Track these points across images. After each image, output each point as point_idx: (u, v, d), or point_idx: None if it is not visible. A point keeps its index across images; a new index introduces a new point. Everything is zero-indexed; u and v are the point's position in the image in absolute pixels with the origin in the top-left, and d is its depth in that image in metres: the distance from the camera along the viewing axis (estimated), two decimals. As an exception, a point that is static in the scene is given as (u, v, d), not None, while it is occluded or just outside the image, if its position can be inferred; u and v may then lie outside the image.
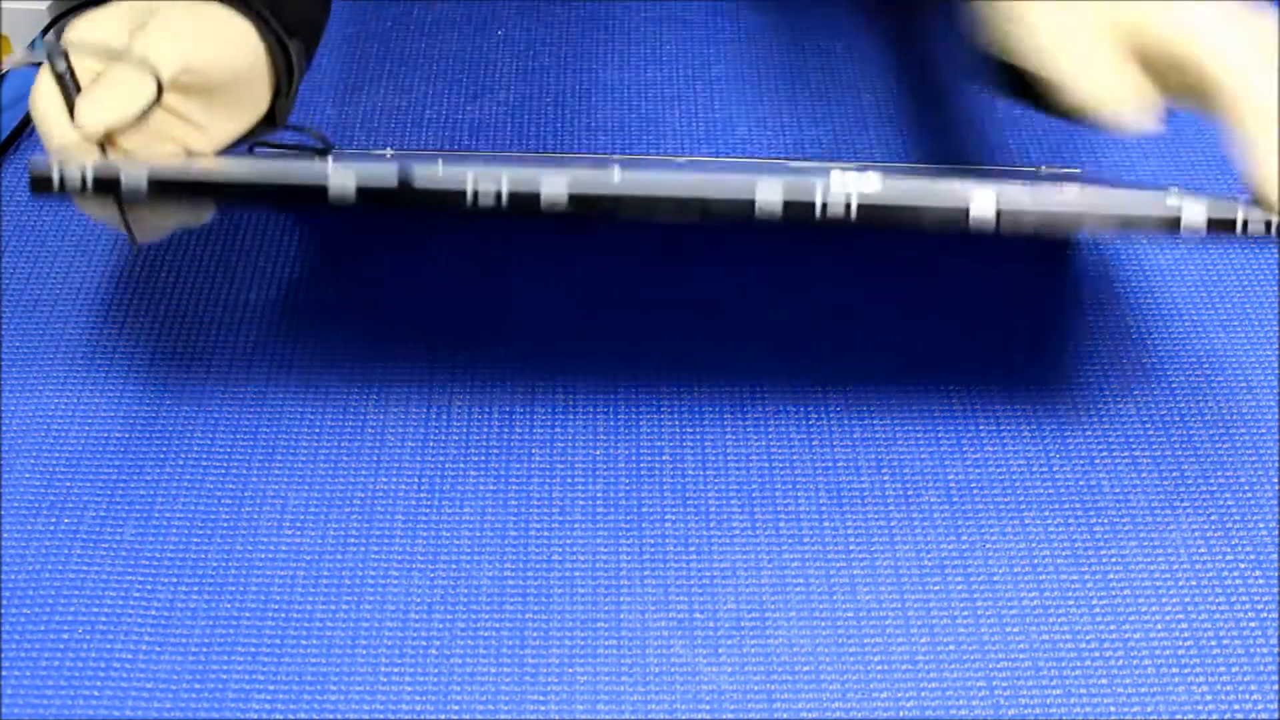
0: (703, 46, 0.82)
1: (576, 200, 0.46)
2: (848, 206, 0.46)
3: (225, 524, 0.57)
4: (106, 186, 0.47)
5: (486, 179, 0.46)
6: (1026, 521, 0.57)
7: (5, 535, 0.57)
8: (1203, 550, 0.56)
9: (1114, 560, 0.55)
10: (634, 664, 0.52)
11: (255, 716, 0.51)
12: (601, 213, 0.47)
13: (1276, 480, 0.58)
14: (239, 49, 0.57)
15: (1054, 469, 0.59)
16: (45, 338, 0.65)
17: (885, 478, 0.59)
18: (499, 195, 0.46)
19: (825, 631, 0.53)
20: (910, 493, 0.58)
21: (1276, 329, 0.64)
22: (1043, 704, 0.51)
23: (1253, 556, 0.55)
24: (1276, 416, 0.60)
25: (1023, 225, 0.45)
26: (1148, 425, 0.60)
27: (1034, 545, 0.56)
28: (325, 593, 0.55)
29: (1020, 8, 0.51)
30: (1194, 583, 0.54)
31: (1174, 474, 0.59)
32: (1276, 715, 0.50)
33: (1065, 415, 0.61)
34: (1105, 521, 0.57)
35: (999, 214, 0.45)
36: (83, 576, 0.55)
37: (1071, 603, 0.54)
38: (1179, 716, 0.50)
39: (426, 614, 0.54)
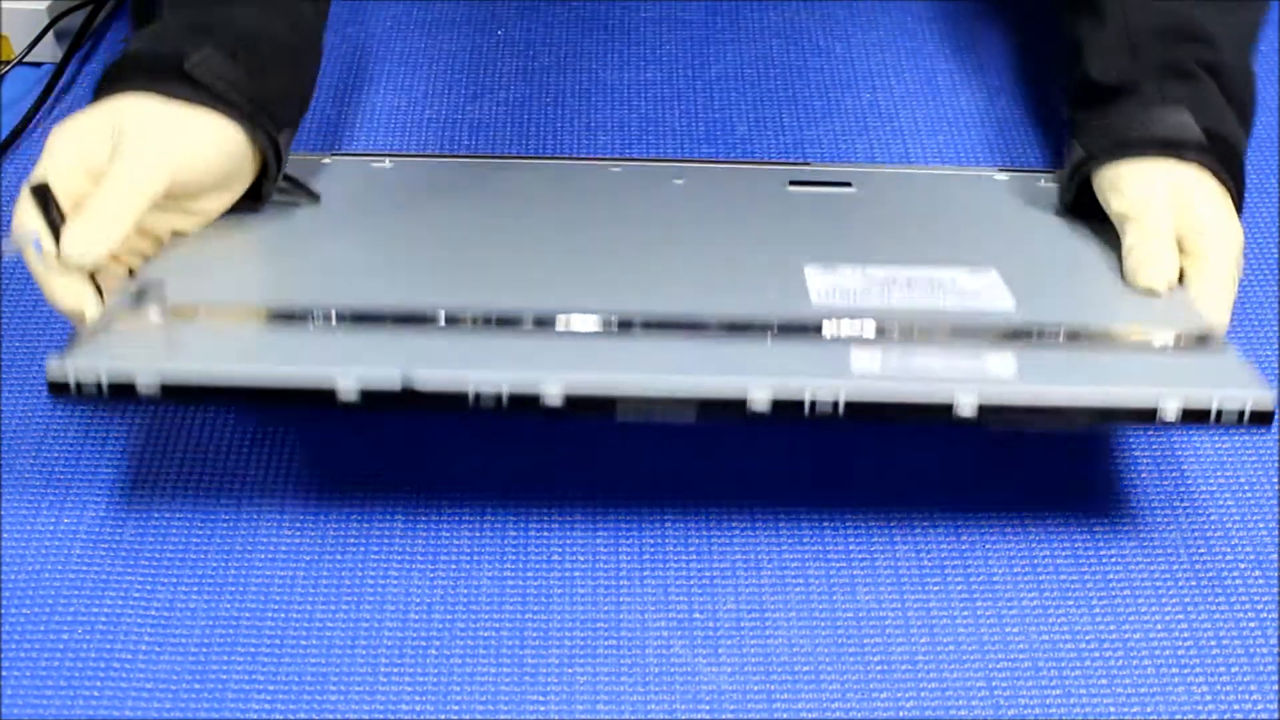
0: (703, 46, 0.82)
1: (573, 401, 0.48)
2: (835, 404, 0.48)
3: (225, 524, 0.57)
4: (122, 391, 0.48)
5: (487, 383, 0.48)
6: (1026, 522, 0.57)
7: (5, 535, 0.57)
8: (1203, 550, 0.56)
9: (1114, 560, 0.55)
10: (634, 664, 0.52)
11: (255, 716, 0.51)
12: (598, 411, 0.49)
13: (1276, 480, 0.58)
14: (227, 155, 0.57)
15: (1053, 469, 0.59)
16: (45, 338, 0.65)
17: (885, 478, 0.58)
18: (499, 397, 0.48)
19: (825, 631, 0.53)
20: (910, 493, 0.58)
21: (1276, 329, 0.64)
22: (1042, 704, 0.51)
23: (1253, 556, 0.55)
24: (1276, 416, 0.60)
25: (1004, 419, 0.48)
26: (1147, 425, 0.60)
27: (1034, 545, 0.56)
28: (325, 593, 0.55)
29: (1125, 188, 0.60)
30: (1194, 583, 0.54)
31: (1174, 474, 0.59)
32: (1276, 715, 0.50)
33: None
34: (1105, 521, 0.57)
35: (980, 408, 0.48)
36: (83, 576, 0.55)
37: (1071, 603, 0.54)
38: (1179, 716, 0.50)
39: (426, 614, 0.54)
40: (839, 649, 0.52)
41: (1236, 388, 0.49)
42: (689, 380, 0.48)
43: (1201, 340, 0.53)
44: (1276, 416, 0.49)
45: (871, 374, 0.49)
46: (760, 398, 0.48)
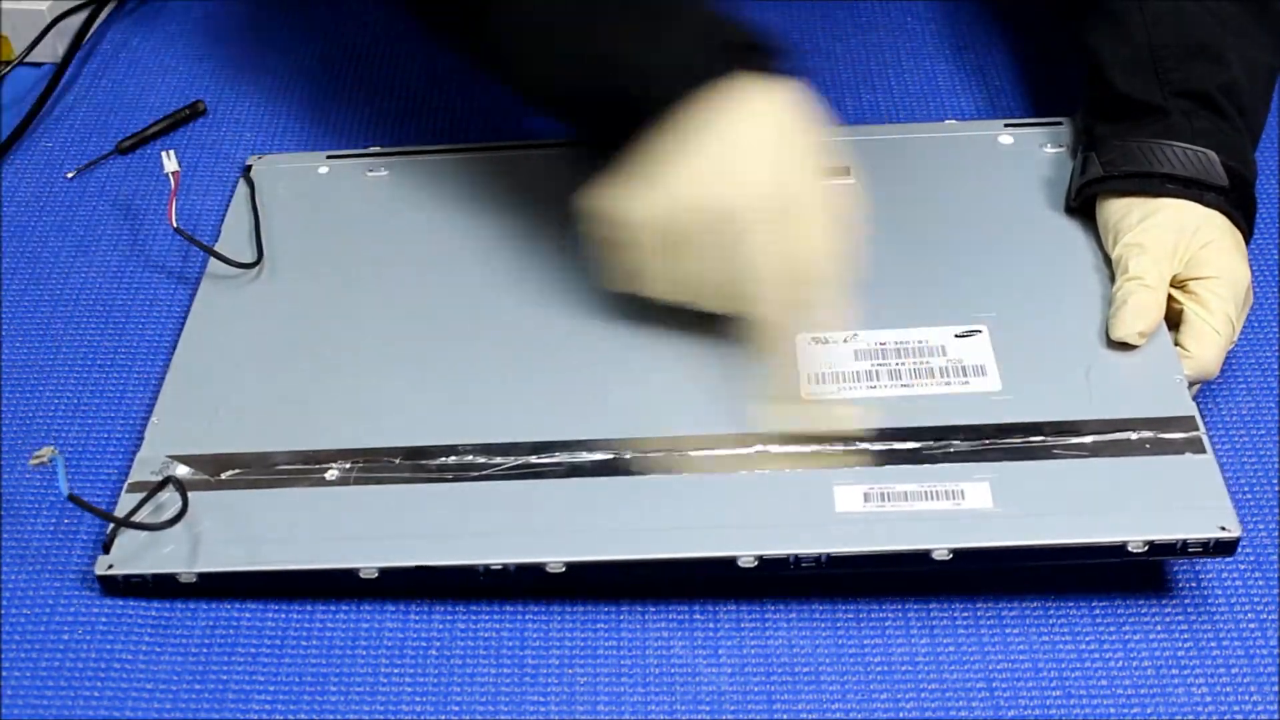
0: (703, 47, 0.82)
1: (574, 567, 0.52)
2: (818, 560, 0.51)
3: (225, 524, 0.57)
4: (165, 584, 0.53)
5: (496, 560, 0.52)
6: (1026, 522, 0.57)
7: (5, 535, 0.57)
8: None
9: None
10: (634, 664, 0.52)
11: (255, 716, 0.51)
12: (600, 575, 0.53)
13: (1276, 480, 0.58)
14: None
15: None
16: (45, 338, 0.65)
17: (885, 478, 0.58)
18: (505, 568, 0.52)
19: (825, 632, 0.53)
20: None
21: (1276, 331, 0.64)
22: (1042, 704, 0.51)
23: (1253, 557, 0.55)
24: (1276, 417, 0.60)
25: (979, 561, 0.51)
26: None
27: (1034, 546, 0.56)
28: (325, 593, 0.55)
29: (1135, 224, 0.60)
30: (1194, 583, 0.54)
31: (1174, 475, 0.59)
32: (1276, 716, 0.50)
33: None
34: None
35: (954, 552, 0.51)
36: (82, 576, 0.55)
37: (1071, 603, 0.54)
38: (1179, 717, 0.50)
39: (426, 614, 0.54)
40: (839, 649, 0.52)
41: (1202, 517, 0.51)
42: (682, 549, 0.52)
43: (1180, 431, 0.54)
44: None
45: (853, 516, 0.52)
46: (747, 562, 0.51)
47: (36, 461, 0.50)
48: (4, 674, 0.52)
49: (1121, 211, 0.61)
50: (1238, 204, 0.60)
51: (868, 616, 0.53)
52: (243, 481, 0.56)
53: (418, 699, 0.51)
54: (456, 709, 0.51)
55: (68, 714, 0.51)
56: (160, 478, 0.56)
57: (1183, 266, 0.58)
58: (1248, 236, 0.60)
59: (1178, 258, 0.58)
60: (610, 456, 0.55)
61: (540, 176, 0.70)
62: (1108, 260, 0.61)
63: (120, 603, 0.54)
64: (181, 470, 0.56)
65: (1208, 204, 0.59)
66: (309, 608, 0.54)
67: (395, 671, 0.52)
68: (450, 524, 0.54)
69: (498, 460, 0.56)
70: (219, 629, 0.53)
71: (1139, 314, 0.57)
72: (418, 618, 0.54)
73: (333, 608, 0.54)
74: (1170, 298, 0.58)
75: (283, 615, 0.54)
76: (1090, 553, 0.51)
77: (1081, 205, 0.64)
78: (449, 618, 0.54)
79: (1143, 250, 0.58)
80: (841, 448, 0.55)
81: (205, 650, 0.53)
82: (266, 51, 0.83)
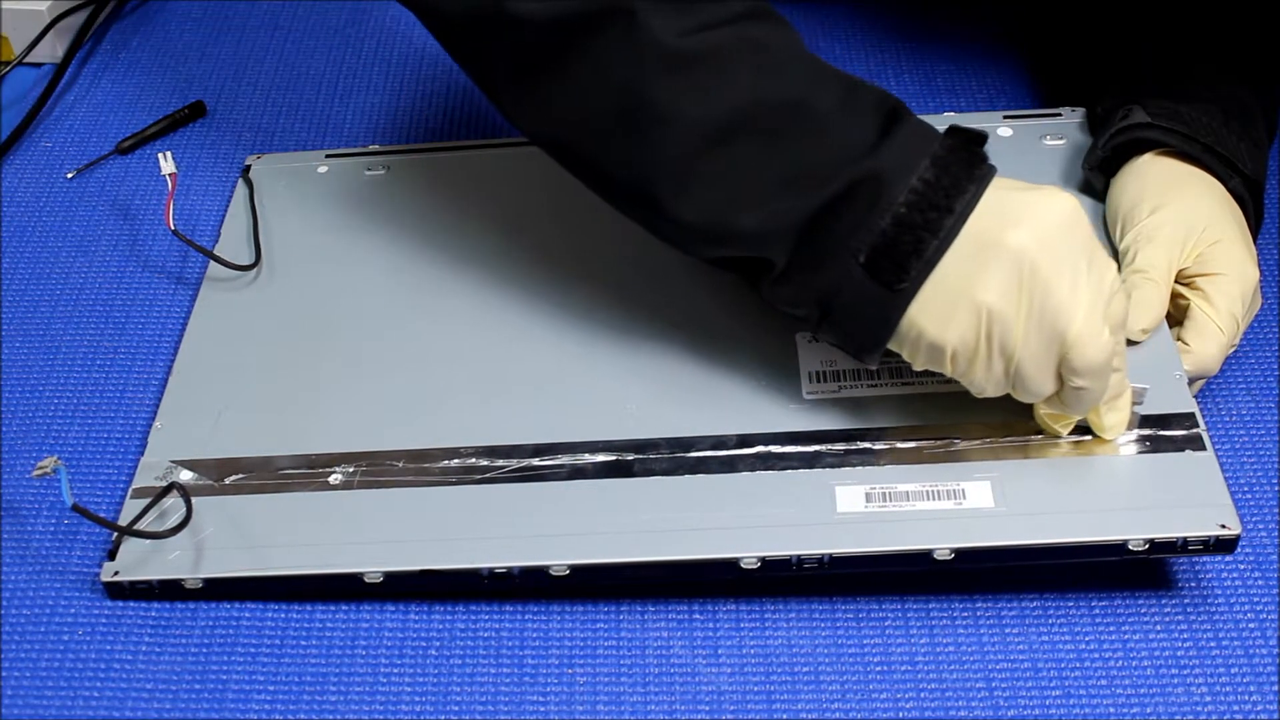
0: (703, 47, 0.82)
1: (577, 570, 0.52)
2: (820, 560, 0.51)
3: (225, 524, 0.57)
4: (171, 589, 0.54)
5: (500, 563, 0.52)
6: (1026, 522, 0.57)
7: (5, 535, 0.57)
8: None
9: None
10: (634, 663, 0.52)
11: (255, 717, 0.51)
12: (603, 577, 0.53)
13: (1276, 480, 0.58)
14: None
15: (1054, 469, 0.59)
16: (45, 338, 0.65)
17: (885, 478, 0.58)
18: (510, 571, 0.52)
19: (825, 631, 0.53)
20: (910, 493, 0.58)
21: (1276, 331, 0.64)
22: (1042, 704, 0.51)
23: (1252, 557, 0.55)
24: (1276, 417, 0.60)
25: (981, 561, 0.51)
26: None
27: (1034, 545, 0.56)
28: (325, 593, 0.55)
29: (1134, 220, 0.59)
30: (1193, 583, 0.54)
31: (1173, 474, 0.59)
32: (1276, 715, 0.50)
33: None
34: (1105, 522, 0.57)
35: (955, 551, 0.51)
36: (82, 576, 0.55)
37: (1070, 602, 0.54)
38: (1179, 717, 0.50)
39: (426, 613, 0.54)
40: (838, 648, 0.53)
41: (1203, 515, 0.51)
42: (685, 551, 0.52)
43: (1181, 428, 0.54)
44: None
45: (855, 517, 0.52)
46: (750, 563, 0.51)
47: (40, 473, 0.50)
48: (4, 674, 0.52)
49: (1133, 200, 0.60)
50: (1253, 203, 0.60)
51: (867, 615, 0.53)
52: (246, 486, 0.56)
53: (417, 699, 0.51)
54: (456, 709, 0.51)
55: (68, 714, 0.51)
56: (164, 484, 0.56)
57: (1191, 262, 0.58)
58: (1254, 235, 0.60)
59: (1186, 253, 0.58)
60: (613, 458, 0.55)
61: (541, 175, 0.70)
62: (1113, 251, 0.61)
63: (120, 603, 0.54)
64: (185, 475, 0.56)
65: (1232, 189, 0.59)
66: (309, 607, 0.54)
67: (395, 671, 0.52)
68: (454, 527, 0.54)
69: (500, 463, 0.56)
70: (219, 629, 0.53)
71: (1143, 309, 0.57)
72: (417, 617, 0.54)
73: (332, 608, 0.54)
74: (1176, 293, 0.58)
75: (283, 615, 0.54)
76: (1091, 551, 0.51)
77: (1092, 175, 0.63)
78: (449, 617, 0.54)
79: (1151, 243, 0.58)
80: (842, 447, 0.55)
81: (205, 650, 0.53)
82: (266, 51, 0.83)
